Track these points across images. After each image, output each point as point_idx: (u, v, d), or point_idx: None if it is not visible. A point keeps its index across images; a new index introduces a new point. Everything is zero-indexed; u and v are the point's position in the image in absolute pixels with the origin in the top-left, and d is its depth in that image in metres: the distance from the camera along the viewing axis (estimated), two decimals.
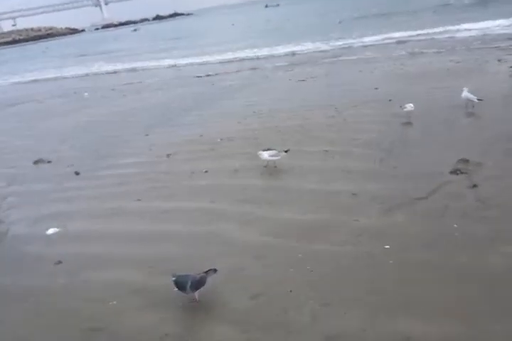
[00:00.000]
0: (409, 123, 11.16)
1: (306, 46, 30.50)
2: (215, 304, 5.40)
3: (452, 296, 4.97)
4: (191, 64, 31.89)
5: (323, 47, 29.34)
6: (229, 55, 32.27)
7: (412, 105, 11.18)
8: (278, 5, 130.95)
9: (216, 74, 24.91)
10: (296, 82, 19.19)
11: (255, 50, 32.73)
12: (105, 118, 16.93)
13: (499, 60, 16.83)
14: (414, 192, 7.45)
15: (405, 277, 5.41)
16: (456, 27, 27.71)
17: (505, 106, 11.39)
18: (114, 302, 5.73)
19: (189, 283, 5.18)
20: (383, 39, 28.12)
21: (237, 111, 15.17)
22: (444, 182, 7.65)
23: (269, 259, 6.19)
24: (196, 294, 5.33)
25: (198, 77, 24.96)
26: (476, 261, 5.51)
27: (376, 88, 15.29)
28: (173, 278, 5.32)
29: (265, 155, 9.33)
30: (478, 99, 11.29)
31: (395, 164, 8.77)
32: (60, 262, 6.91)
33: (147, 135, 13.86)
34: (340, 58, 24.05)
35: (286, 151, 9.35)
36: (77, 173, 10.94)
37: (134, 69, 33.91)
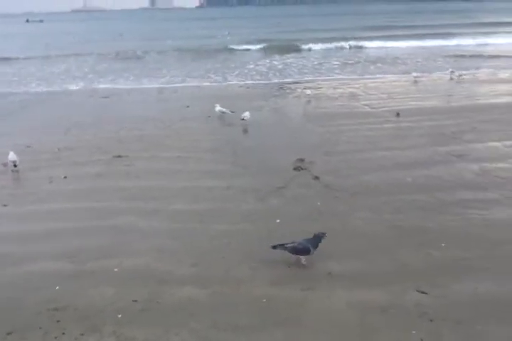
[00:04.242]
0: (245, 130, 13.29)
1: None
2: (165, 272, 6.08)
3: (347, 246, 6.64)
4: None
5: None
6: None
7: (248, 114, 13.39)
8: (42, 21, 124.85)
9: None
10: (100, 99, 19.56)
11: None
12: None
13: (281, 87, 20.48)
14: (274, 184, 9.11)
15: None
16: None
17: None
18: (57, 288, 5.80)
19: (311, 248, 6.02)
20: None
21: (51, 123, 14.99)
22: (293, 176, 9.54)
23: (186, 238, 7.03)
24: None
25: None
26: (345, 224, 7.38)
27: (188, 106, 16.94)
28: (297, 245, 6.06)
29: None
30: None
31: (245, 164, 10.39)
32: None
33: None
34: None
35: None
36: None
37: None
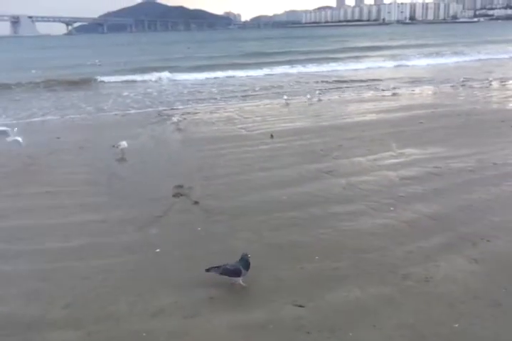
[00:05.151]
0: (122, 159, 12.96)
1: None
2: (34, 318, 5.66)
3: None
4: None
5: None
6: None
7: (125, 143, 12.93)
8: None
9: None
10: None
11: None
12: None
13: (159, 114, 20.41)
14: (152, 213, 8.96)
15: (189, 266, 6.88)
16: None
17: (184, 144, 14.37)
18: None
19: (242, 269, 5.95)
20: None
21: None
22: (172, 203, 9.46)
23: (58, 279, 6.60)
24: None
25: None
26: (225, 246, 7.44)
27: (58, 137, 16.10)
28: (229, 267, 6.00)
29: None
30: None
31: (122, 195, 10.11)
32: None
33: None
34: None
35: None
36: None
37: None
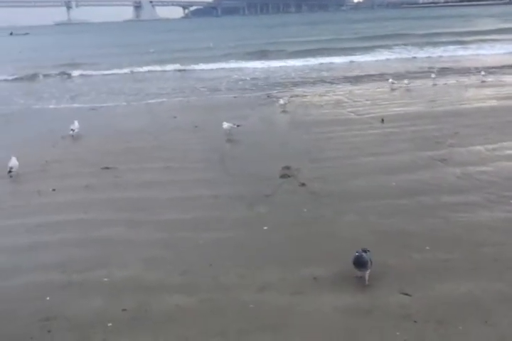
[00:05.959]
0: (233, 140, 13.46)
1: None
2: (153, 281, 6.20)
3: (332, 251, 6.74)
4: None
5: None
6: None
7: (227, 124, 13.51)
8: (27, 33, 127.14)
9: None
10: (87, 111, 19.57)
11: None
12: None
13: (268, 96, 20.75)
14: (261, 192, 9.23)
15: (295, 245, 7.09)
16: None
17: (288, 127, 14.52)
18: (48, 298, 5.93)
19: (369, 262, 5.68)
20: None
21: (39, 137, 14.93)
22: (279, 184, 9.68)
23: (175, 247, 7.15)
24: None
25: None
26: (330, 229, 7.52)
27: (175, 117, 17.07)
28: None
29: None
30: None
31: (233, 173, 10.53)
32: None
33: None
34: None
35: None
36: None
37: None
